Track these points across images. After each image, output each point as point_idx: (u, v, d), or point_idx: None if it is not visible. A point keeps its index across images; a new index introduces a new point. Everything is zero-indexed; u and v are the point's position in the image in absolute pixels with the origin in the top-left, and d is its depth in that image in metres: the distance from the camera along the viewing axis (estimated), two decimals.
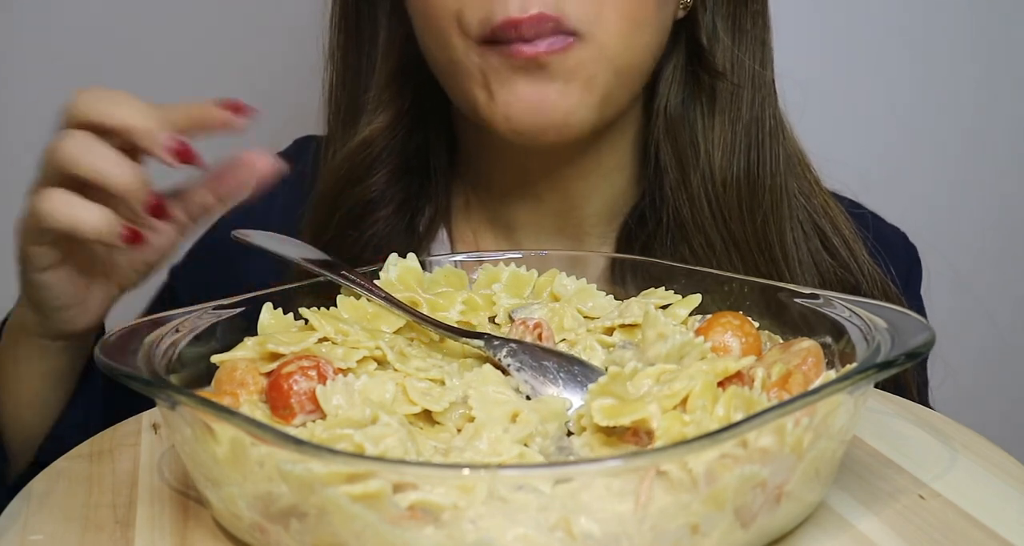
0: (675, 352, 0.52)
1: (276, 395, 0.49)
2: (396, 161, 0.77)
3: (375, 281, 0.59)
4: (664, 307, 0.59)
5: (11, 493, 0.51)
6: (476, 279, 0.63)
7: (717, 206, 0.72)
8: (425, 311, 0.58)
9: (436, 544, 0.40)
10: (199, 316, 0.55)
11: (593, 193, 0.77)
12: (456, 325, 0.57)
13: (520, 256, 0.64)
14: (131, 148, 0.58)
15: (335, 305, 0.57)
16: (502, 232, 0.80)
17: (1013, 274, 1.27)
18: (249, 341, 0.53)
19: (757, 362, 0.51)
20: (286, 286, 0.59)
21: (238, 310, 0.56)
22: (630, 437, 0.46)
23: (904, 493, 0.49)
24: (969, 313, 1.22)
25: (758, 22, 0.74)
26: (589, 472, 0.41)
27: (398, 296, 0.58)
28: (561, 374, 0.53)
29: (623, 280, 0.63)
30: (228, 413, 0.43)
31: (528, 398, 0.51)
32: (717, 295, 0.59)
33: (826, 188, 0.78)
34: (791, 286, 0.58)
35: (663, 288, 0.61)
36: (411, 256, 0.62)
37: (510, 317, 0.59)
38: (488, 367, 0.54)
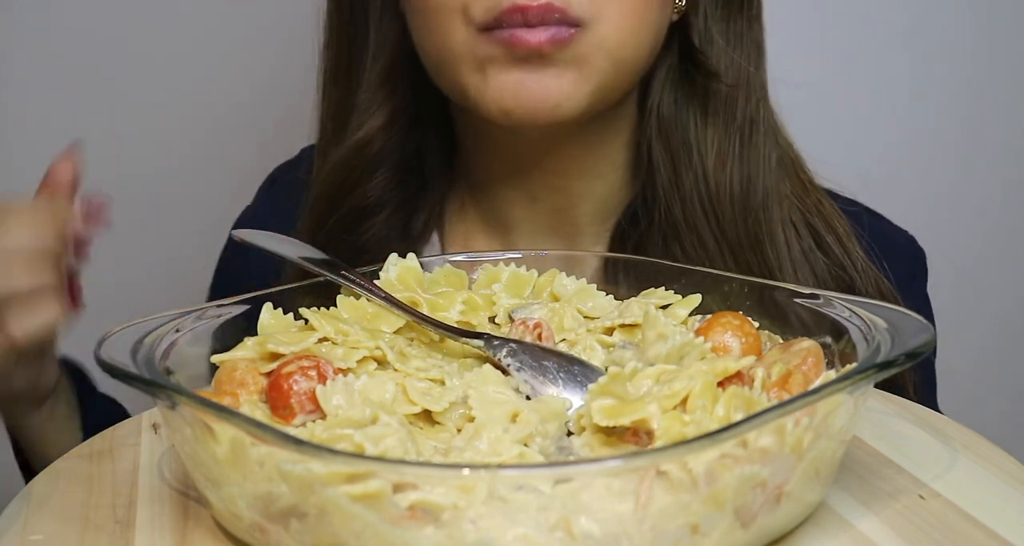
0: (675, 352, 0.52)
1: (276, 395, 0.49)
2: (393, 164, 0.77)
3: (375, 281, 0.59)
4: (664, 307, 0.59)
5: None
6: (476, 279, 0.63)
7: (709, 206, 0.73)
8: (425, 311, 0.58)
9: (436, 544, 0.40)
10: (199, 316, 0.55)
11: (588, 193, 0.77)
12: (456, 325, 0.57)
13: (520, 256, 0.64)
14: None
15: (335, 305, 0.57)
16: (498, 232, 0.80)
17: (1013, 274, 1.27)
18: (249, 341, 0.53)
19: (757, 362, 0.51)
20: (286, 286, 0.59)
21: (238, 310, 0.56)
22: (630, 437, 0.46)
23: (904, 493, 0.49)
24: (969, 313, 1.22)
25: (753, 25, 0.74)
26: (589, 472, 0.41)
27: (398, 296, 0.58)
28: (561, 374, 0.53)
29: (616, 279, 0.64)
30: (228, 413, 0.43)
31: (528, 398, 0.51)
32: (716, 295, 0.59)
33: (820, 186, 0.78)
34: (791, 286, 0.58)
35: (663, 288, 0.61)
36: (411, 256, 0.62)
37: (510, 317, 0.59)
38: (488, 367, 0.54)
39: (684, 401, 0.46)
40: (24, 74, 1.13)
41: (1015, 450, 0.53)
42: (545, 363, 0.53)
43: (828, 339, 0.53)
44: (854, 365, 0.49)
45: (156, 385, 0.46)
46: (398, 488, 0.40)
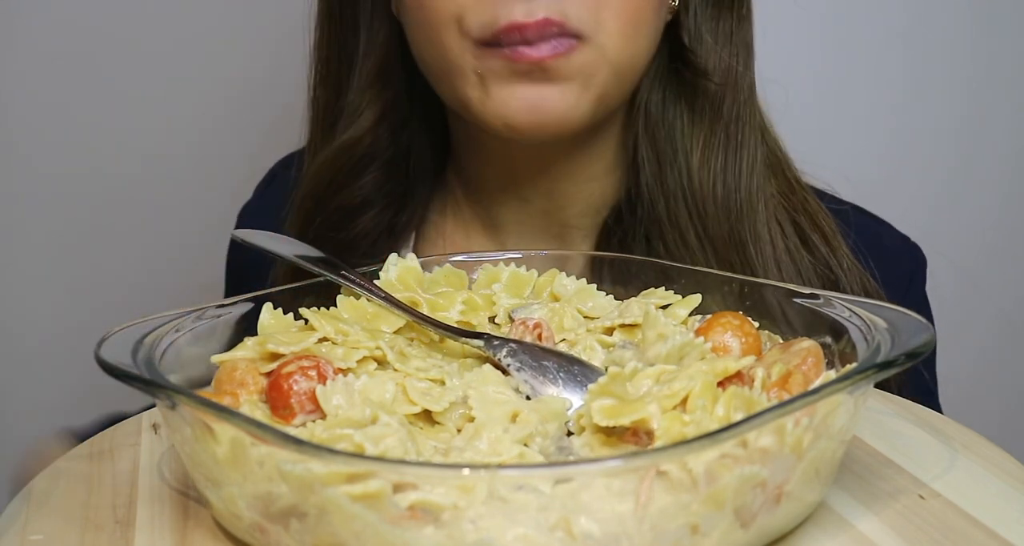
0: (675, 352, 0.52)
1: (276, 395, 0.49)
2: (382, 163, 0.77)
3: (375, 281, 0.59)
4: (664, 307, 0.59)
5: None
6: (476, 279, 0.63)
7: (692, 203, 0.73)
8: (425, 311, 0.58)
9: (436, 544, 0.40)
10: (199, 316, 0.55)
11: (579, 194, 0.77)
12: (456, 325, 0.57)
13: (520, 256, 0.64)
14: None
15: (335, 305, 0.57)
16: (488, 231, 0.80)
17: (1013, 274, 1.27)
18: (249, 341, 0.53)
19: (757, 362, 0.51)
20: (286, 286, 0.59)
21: (238, 310, 0.56)
22: (630, 437, 0.46)
23: (904, 493, 0.49)
24: (969, 313, 1.22)
25: (742, 24, 0.74)
26: (589, 472, 0.41)
27: (398, 296, 0.58)
28: (561, 374, 0.53)
29: (600, 277, 0.64)
30: (228, 413, 0.43)
31: (528, 398, 0.51)
32: (716, 295, 0.59)
33: (807, 185, 0.78)
34: (791, 286, 0.58)
35: (663, 288, 0.61)
36: (411, 256, 0.62)
37: (510, 317, 0.59)
38: (488, 367, 0.54)
39: (684, 401, 0.46)
40: (22, 75, 1.13)
41: (1015, 450, 0.53)
42: (545, 363, 0.53)
43: (828, 339, 0.53)
44: (854, 365, 0.49)
45: (156, 385, 0.46)
46: (398, 488, 0.40)
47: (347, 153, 0.76)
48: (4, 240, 1.17)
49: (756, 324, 0.56)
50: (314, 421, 0.48)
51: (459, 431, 0.49)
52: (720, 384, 0.47)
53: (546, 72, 0.65)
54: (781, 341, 0.55)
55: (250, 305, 0.57)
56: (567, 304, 0.60)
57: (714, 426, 0.44)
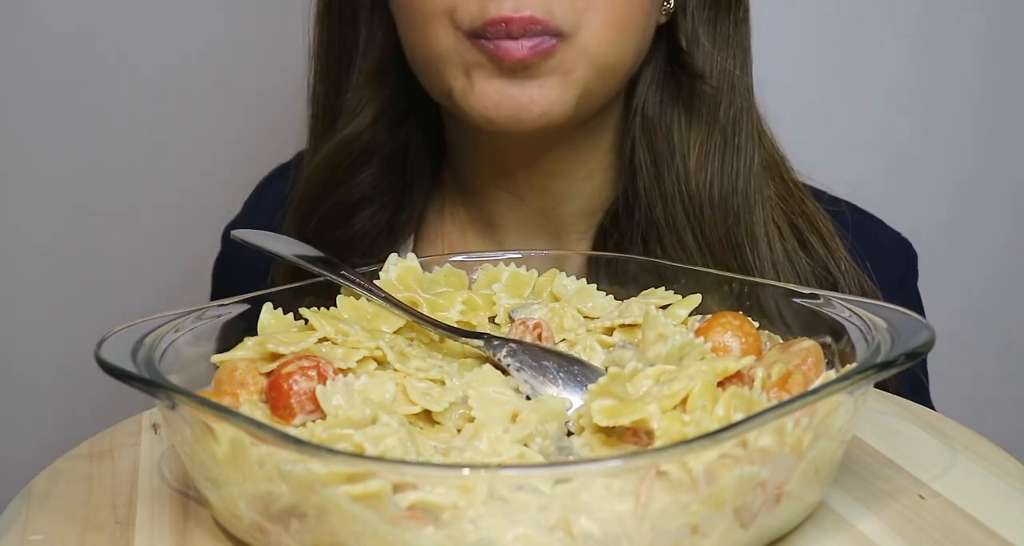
0: (675, 352, 0.52)
1: (276, 395, 0.49)
2: (380, 161, 0.77)
3: (375, 281, 0.59)
4: (664, 307, 0.59)
5: None
6: (476, 279, 0.63)
7: (690, 206, 0.73)
8: (425, 311, 0.58)
9: (436, 544, 0.40)
10: (199, 316, 0.55)
11: (574, 193, 0.77)
12: (456, 325, 0.57)
13: (520, 256, 0.64)
14: None
15: (335, 305, 0.57)
16: (485, 230, 0.80)
17: (1013, 274, 1.27)
18: (249, 341, 0.53)
19: (757, 362, 0.51)
20: (286, 286, 0.59)
21: (238, 310, 0.56)
22: (630, 437, 0.46)
23: (904, 493, 0.49)
24: (969, 313, 1.22)
25: (739, 27, 0.75)
26: (589, 472, 0.41)
27: (398, 296, 0.58)
28: (561, 374, 0.53)
29: (598, 278, 0.64)
30: (228, 413, 0.43)
31: (528, 398, 0.51)
32: (716, 295, 0.59)
33: (805, 187, 0.78)
34: (791, 286, 0.58)
35: (663, 288, 0.61)
36: (411, 256, 0.62)
37: (510, 317, 0.59)
38: (488, 367, 0.54)
39: (684, 401, 0.46)
40: (22, 75, 1.13)
41: (1015, 450, 0.53)
42: (545, 363, 0.53)
43: (828, 339, 0.53)
44: (854, 365, 0.49)
45: (156, 385, 0.46)
46: (398, 488, 0.40)
47: (346, 149, 0.76)
48: (4, 240, 1.17)
49: (756, 324, 0.56)
50: (314, 421, 0.48)
51: (459, 431, 0.49)
52: (720, 384, 0.47)
53: (528, 69, 0.66)
54: (781, 341, 0.55)
55: (250, 305, 0.57)
56: (567, 304, 0.60)
57: (714, 426, 0.44)
